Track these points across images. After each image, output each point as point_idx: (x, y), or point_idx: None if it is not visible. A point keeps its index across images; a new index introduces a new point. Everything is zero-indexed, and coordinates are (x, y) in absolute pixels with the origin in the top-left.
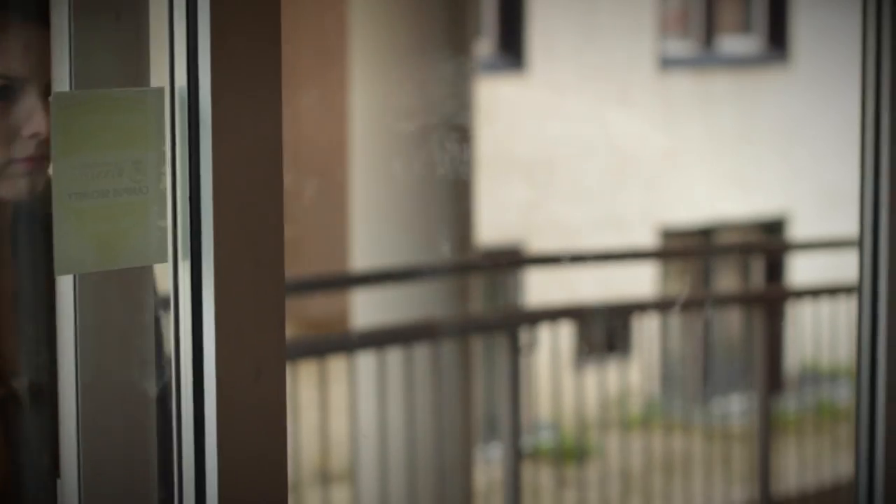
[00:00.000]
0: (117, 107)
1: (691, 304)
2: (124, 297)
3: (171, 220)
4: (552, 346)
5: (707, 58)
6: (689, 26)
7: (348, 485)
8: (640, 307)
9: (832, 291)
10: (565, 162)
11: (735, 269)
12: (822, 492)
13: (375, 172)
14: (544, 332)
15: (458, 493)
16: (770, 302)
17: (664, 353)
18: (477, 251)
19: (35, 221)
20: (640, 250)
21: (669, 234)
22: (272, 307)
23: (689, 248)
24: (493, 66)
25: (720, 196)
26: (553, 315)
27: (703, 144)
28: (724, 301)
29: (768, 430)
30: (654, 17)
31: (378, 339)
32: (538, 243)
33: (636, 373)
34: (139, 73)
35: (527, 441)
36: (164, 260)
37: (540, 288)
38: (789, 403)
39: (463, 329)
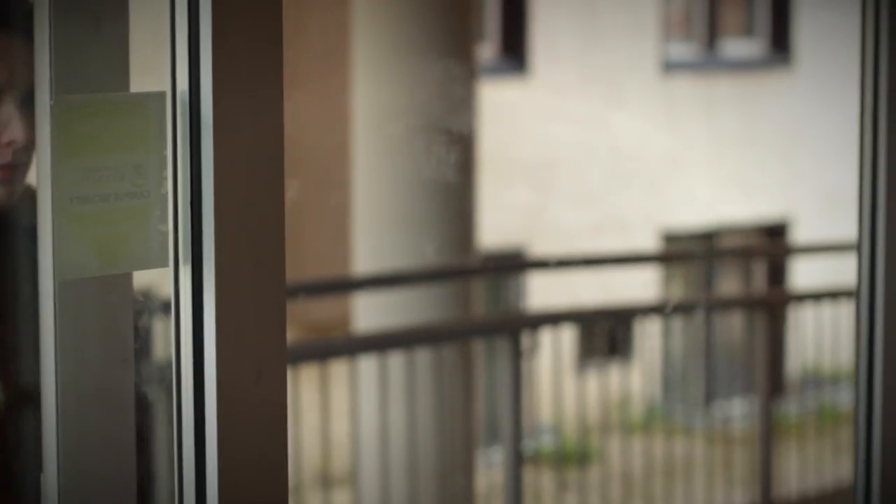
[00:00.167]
0: (118, 111)
1: (689, 308)
2: (102, 297)
3: (173, 224)
4: (554, 349)
5: (709, 61)
6: (692, 29)
7: (349, 488)
8: (642, 311)
9: (834, 295)
10: (567, 165)
11: (737, 273)
12: (824, 495)
13: (377, 176)
14: (546, 336)
15: (460, 497)
16: (772, 305)
17: (665, 357)
18: (479, 255)
19: (14, 229)
20: (642, 254)
21: (671, 238)
22: (273, 310)
23: (690, 252)
24: (496, 70)
25: (722, 199)
26: (555, 319)
27: (705, 147)
28: (725, 304)
29: (770, 433)
30: (656, 19)
31: (379, 343)
32: (540, 247)
33: (637, 376)
34: (120, 78)
35: (528, 445)
36: (166, 264)
37: (541, 291)
38: (791, 407)
39: (464, 332)
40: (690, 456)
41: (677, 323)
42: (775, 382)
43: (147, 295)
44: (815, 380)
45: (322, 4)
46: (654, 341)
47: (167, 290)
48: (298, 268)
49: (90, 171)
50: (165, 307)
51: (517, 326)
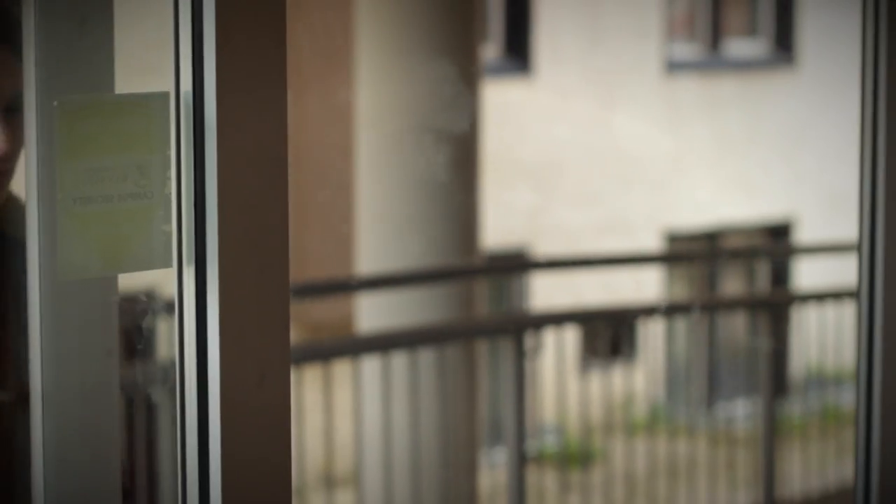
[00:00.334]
0: (122, 111)
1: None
2: (88, 288)
3: (176, 224)
4: (557, 349)
5: (713, 61)
6: (696, 30)
7: (352, 488)
8: (645, 311)
9: (837, 295)
10: (571, 165)
11: (740, 273)
12: (827, 496)
13: (380, 176)
14: (549, 336)
15: (463, 497)
16: (775, 306)
17: (669, 358)
18: (482, 255)
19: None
20: (645, 254)
21: (675, 238)
22: (277, 311)
23: (694, 252)
24: (500, 70)
25: (726, 200)
26: (558, 319)
27: (708, 148)
28: (728, 305)
29: (773, 434)
30: (660, 20)
31: (383, 343)
32: (543, 247)
33: (641, 377)
34: (105, 78)
35: (531, 445)
36: (169, 265)
37: (545, 292)
38: (794, 408)
39: (467, 333)
40: (693, 456)
41: (680, 323)
42: (778, 383)
43: (150, 295)
44: (819, 380)
45: (325, 5)
46: (658, 342)
47: (170, 289)
48: (301, 268)
49: (93, 171)
50: (169, 307)
51: (520, 327)
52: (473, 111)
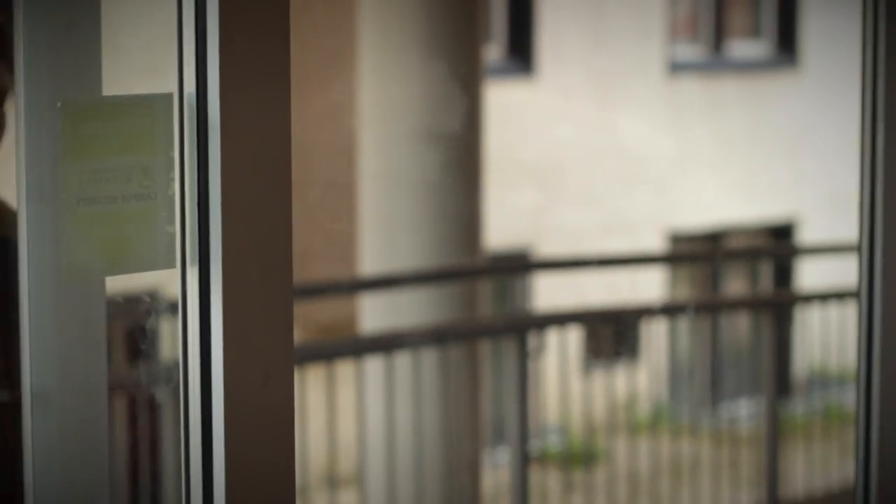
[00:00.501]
0: (125, 112)
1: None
2: (77, 294)
3: (180, 225)
4: (560, 350)
5: (716, 62)
6: (699, 31)
7: (356, 488)
8: (648, 311)
9: (840, 296)
10: (574, 166)
11: (743, 274)
12: (830, 496)
13: (384, 177)
14: (552, 337)
15: (466, 497)
16: (778, 306)
17: (672, 358)
18: (485, 255)
19: None
20: (648, 255)
21: (678, 239)
22: (280, 312)
23: (697, 253)
24: (502, 71)
25: (729, 200)
26: (561, 319)
27: (711, 149)
28: (732, 305)
29: (776, 434)
30: (663, 21)
31: (386, 344)
32: (546, 247)
33: (644, 377)
34: (92, 80)
35: (534, 445)
36: (173, 266)
37: (548, 292)
38: (797, 407)
39: (471, 333)
40: (697, 456)
41: (683, 323)
42: (782, 383)
43: (153, 296)
44: (822, 380)
45: (329, 6)
46: (661, 342)
47: (173, 290)
48: (305, 268)
49: (97, 172)
50: (172, 308)
51: (524, 327)
52: (476, 112)
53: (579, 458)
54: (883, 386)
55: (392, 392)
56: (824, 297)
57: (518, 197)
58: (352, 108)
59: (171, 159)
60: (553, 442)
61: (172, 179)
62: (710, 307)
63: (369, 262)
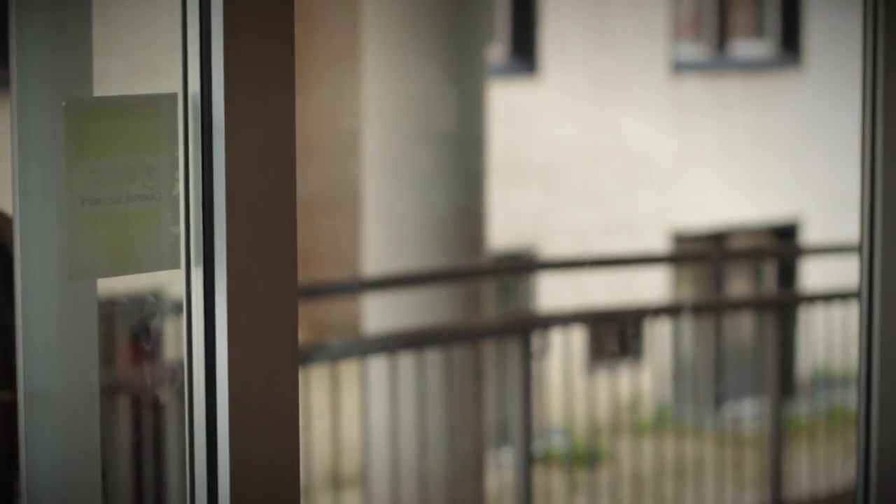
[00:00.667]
0: (130, 112)
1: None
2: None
3: (184, 225)
4: (564, 350)
5: (720, 62)
6: (702, 30)
7: (360, 489)
8: (652, 312)
9: (844, 296)
10: (577, 166)
11: (747, 274)
12: (834, 497)
13: (388, 177)
14: (556, 337)
15: (470, 498)
16: (782, 306)
17: (676, 358)
18: (489, 255)
19: None
20: (652, 255)
21: (682, 239)
22: (285, 312)
23: (701, 253)
24: (506, 71)
25: (732, 200)
26: (565, 319)
27: (715, 148)
28: (735, 305)
29: (780, 434)
30: (666, 21)
31: (390, 344)
32: (550, 248)
33: (648, 377)
34: (83, 80)
35: (538, 446)
36: (177, 266)
37: (552, 292)
38: (801, 408)
39: (475, 334)
40: (701, 457)
41: (687, 324)
42: (786, 383)
43: (158, 296)
44: (826, 381)
45: (333, 6)
46: (665, 342)
47: (177, 290)
48: (309, 269)
49: (102, 172)
50: (176, 308)
51: (527, 327)
52: (480, 112)
53: (583, 458)
54: (881, 385)
55: (396, 392)
56: (828, 298)
57: (522, 197)
58: (356, 107)
59: (176, 159)
60: (557, 443)
61: (176, 179)
62: (713, 307)
63: (373, 263)
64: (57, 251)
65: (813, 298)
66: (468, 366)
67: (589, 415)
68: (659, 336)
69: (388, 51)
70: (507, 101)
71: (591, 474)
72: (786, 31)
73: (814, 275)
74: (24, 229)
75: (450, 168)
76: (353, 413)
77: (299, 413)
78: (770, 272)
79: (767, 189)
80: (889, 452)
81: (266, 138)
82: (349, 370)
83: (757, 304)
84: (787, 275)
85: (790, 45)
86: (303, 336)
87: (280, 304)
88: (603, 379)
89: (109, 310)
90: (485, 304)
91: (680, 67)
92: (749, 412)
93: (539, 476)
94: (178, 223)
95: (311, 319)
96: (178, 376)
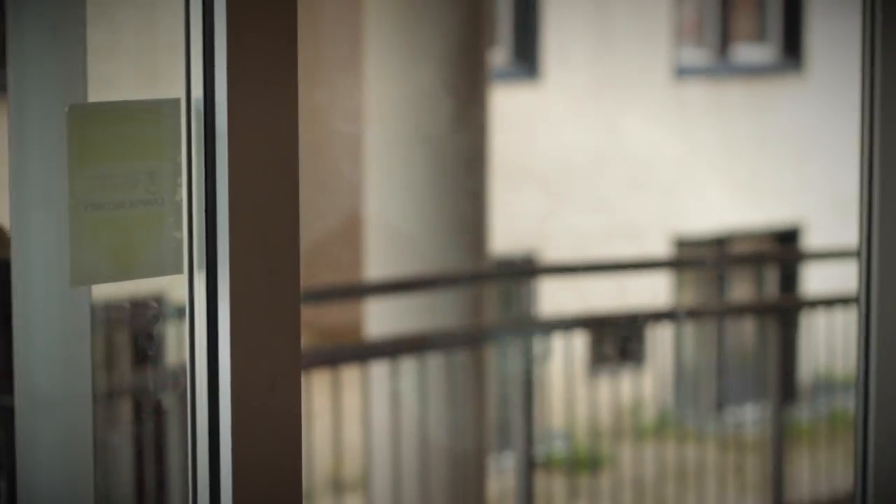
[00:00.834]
0: (132, 118)
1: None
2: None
3: (187, 231)
4: (566, 355)
5: (721, 66)
6: (704, 35)
7: (361, 493)
8: (654, 316)
9: (846, 301)
10: (579, 170)
11: (749, 279)
12: (836, 501)
13: (390, 181)
14: (558, 342)
15: (471, 502)
16: (784, 311)
17: (677, 363)
18: (491, 260)
19: None
20: (653, 259)
21: (683, 243)
22: (288, 316)
23: (702, 258)
24: (508, 75)
25: (734, 205)
26: (567, 324)
27: (717, 153)
28: (737, 310)
29: (782, 439)
30: (668, 25)
31: (391, 348)
32: (552, 252)
33: (649, 382)
34: (77, 84)
35: (540, 450)
36: (180, 271)
37: (553, 297)
38: (803, 413)
39: (476, 338)
40: (702, 462)
41: (689, 329)
42: (787, 388)
43: (160, 301)
44: (827, 386)
45: (336, 10)
46: (666, 347)
47: (180, 294)
48: (311, 273)
49: (104, 178)
50: (179, 312)
51: (529, 332)
52: (482, 116)
53: (584, 463)
54: (878, 391)
55: (398, 397)
56: (830, 303)
57: (524, 201)
58: (359, 112)
59: (178, 164)
60: (558, 447)
61: (179, 185)
62: (715, 312)
63: (375, 267)
64: (52, 255)
65: (815, 303)
66: (470, 370)
67: (590, 419)
68: (660, 340)
69: (389, 54)
70: (508, 106)
71: (592, 479)
72: (788, 35)
73: (815, 279)
74: (20, 233)
75: (451, 172)
76: (354, 417)
77: (301, 417)
78: (772, 277)
79: (769, 194)
80: (886, 456)
81: (269, 144)
82: (351, 374)
83: (759, 309)
84: (789, 279)
85: (792, 49)
86: (304, 340)
87: (283, 308)
88: (604, 383)
89: (112, 314)
90: (487, 309)
91: (682, 72)
92: (751, 417)
93: (540, 480)
94: (180, 228)
95: (312, 323)
96: (181, 381)
